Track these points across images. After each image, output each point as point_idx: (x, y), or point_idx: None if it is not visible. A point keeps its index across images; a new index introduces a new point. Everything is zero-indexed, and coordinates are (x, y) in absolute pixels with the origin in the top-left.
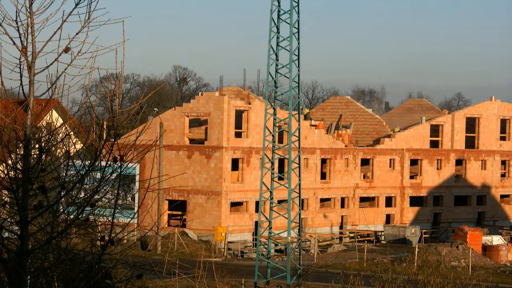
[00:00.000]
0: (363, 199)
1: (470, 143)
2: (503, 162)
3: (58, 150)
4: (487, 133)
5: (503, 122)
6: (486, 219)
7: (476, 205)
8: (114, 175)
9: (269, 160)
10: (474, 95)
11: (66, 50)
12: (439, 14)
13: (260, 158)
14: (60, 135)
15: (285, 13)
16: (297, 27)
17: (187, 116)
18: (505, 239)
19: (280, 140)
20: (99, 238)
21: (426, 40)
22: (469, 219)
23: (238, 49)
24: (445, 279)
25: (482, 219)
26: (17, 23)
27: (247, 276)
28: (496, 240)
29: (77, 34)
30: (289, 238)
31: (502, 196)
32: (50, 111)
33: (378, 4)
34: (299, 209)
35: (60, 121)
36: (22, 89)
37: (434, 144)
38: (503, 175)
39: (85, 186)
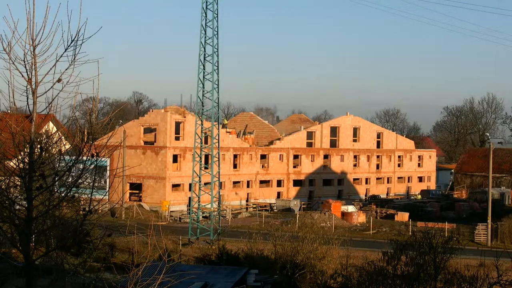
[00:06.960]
0: (262, 182)
1: (333, 144)
2: (355, 157)
3: (53, 149)
4: (344, 137)
5: (355, 130)
6: (344, 195)
7: (337, 185)
8: (92, 166)
9: (198, 155)
10: (336, 111)
11: (58, 81)
12: (308, 46)
13: (192, 154)
14: (55, 139)
15: (209, 56)
16: (217, 65)
17: (142, 126)
18: (356, 208)
19: (206, 142)
20: (81, 209)
21: (303, 71)
22: (333, 195)
23: (177, 80)
24: (316, 234)
25: (341, 194)
26: (24, 62)
27: (184, 234)
28: (351, 208)
29: (66, 69)
30: (212, 208)
31: (354, 179)
32: (48, 123)
33: (268, 40)
34: (219, 189)
35: (54, 129)
36: (28, 108)
37: (309, 145)
38: (355, 165)
39: (72, 173)
